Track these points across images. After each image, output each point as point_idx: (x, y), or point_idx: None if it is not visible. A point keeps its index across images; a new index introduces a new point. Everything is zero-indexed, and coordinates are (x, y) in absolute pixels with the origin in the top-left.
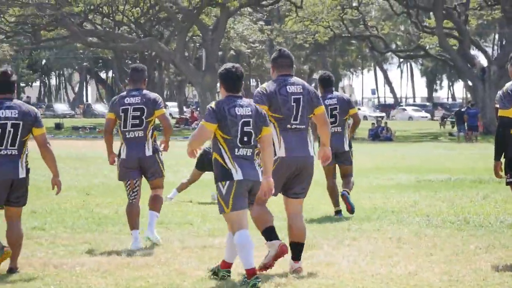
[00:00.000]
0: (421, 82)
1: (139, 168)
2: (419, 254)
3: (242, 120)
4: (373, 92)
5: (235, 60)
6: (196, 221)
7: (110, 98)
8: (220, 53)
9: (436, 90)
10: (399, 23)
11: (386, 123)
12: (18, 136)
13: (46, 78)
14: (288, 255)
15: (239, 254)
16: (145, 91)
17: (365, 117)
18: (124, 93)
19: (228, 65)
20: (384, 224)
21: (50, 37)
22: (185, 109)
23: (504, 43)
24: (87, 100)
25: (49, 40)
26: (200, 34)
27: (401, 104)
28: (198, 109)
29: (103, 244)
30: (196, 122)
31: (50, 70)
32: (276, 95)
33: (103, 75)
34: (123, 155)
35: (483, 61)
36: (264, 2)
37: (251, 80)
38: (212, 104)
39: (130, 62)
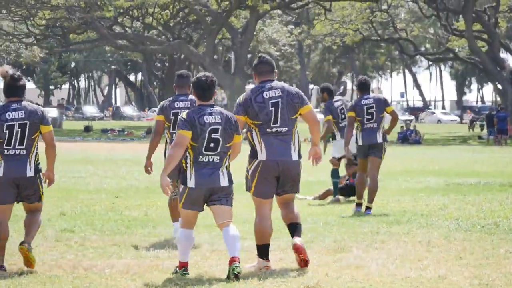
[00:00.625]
0: (450, 85)
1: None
2: (448, 257)
3: (210, 127)
4: (402, 95)
5: None
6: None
7: (139, 101)
8: (249, 56)
9: (465, 93)
10: (428, 25)
11: (415, 126)
12: (26, 135)
13: (75, 81)
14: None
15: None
16: (191, 96)
17: None
18: (171, 98)
19: (200, 74)
20: (414, 227)
21: (79, 40)
22: None
23: None
24: (116, 103)
25: (78, 43)
26: (230, 37)
27: (430, 107)
28: None
29: (132, 247)
30: None
31: (80, 73)
32: (252, 104)
33: (132, 77)
34: None
35: None
36: (293, 5)
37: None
38: (183, 115)
39: (159, 65)
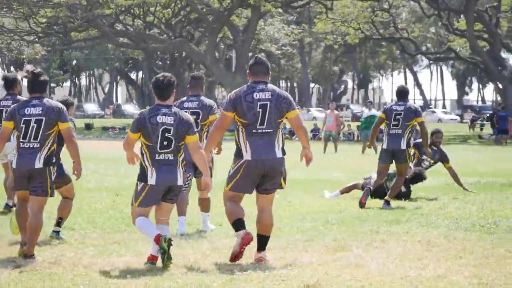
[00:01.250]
0: (451, 85)
1: (193, 163)
2: (448, 257)
3: (163, 127)
4: None
5: None
6: (226, 222)
7: (140, 99)
8: (250, 54)
9: (466, 93)
10: (429, 25)
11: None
12: (41, 130)
13: (76, 79)
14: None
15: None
16: (202, 97)
17: None
18: (184, 98)
19: (160, 74)
20: (413, 226)
21: (81, 38)
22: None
23: None
24: (117, 101)
25: (80, 41)
26: (231, 36)
27: (430, 106)
28: None
29: (132, 245)
30: None
31: (81, 71)
32: (241, 102)
33: (133, 75)
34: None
35: None
36: (294, 4)
37: (281, 81)
38: (137, 115)
39: (160, 63)
